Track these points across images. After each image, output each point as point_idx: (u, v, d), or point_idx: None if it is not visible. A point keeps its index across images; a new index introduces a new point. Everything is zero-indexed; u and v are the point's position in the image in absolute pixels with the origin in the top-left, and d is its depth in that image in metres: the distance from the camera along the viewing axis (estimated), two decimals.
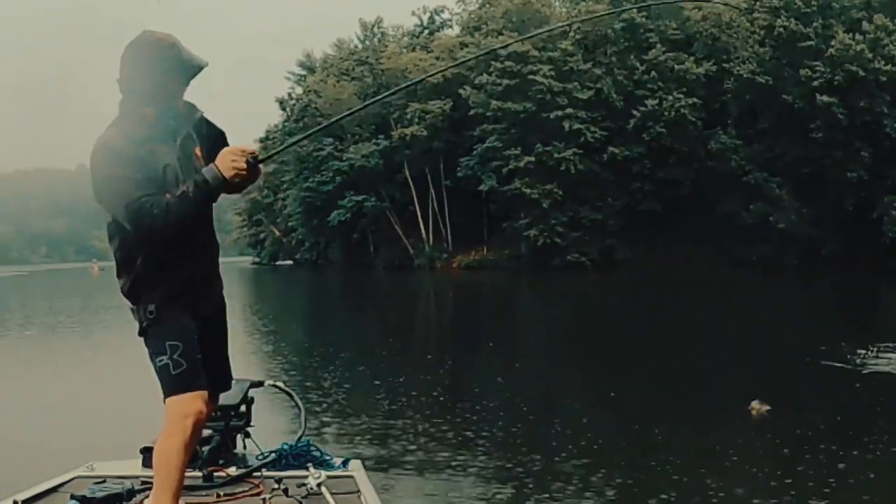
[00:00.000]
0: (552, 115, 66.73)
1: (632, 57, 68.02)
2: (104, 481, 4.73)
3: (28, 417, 12.76)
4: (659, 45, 67.14)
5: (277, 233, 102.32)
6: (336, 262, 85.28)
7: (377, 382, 15.50)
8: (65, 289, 66.40)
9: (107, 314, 32.79)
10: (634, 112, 65.82)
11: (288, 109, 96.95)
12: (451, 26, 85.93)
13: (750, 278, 50.45)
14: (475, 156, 71.44)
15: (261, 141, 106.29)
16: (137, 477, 4.75)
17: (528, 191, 67.41)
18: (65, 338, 25.93)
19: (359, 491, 4.82)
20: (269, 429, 5.71)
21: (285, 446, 5.27)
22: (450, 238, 78.16)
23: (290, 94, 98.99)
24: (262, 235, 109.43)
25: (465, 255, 74.37)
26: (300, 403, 5.65)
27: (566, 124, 66.41)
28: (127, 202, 3.94)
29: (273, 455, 5.20)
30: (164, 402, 4.14)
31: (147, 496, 4.38)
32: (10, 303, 46.74)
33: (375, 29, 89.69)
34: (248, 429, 5.46)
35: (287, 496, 4.59)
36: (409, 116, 75.85)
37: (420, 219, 79.70)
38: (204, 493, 4.67)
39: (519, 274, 58.66)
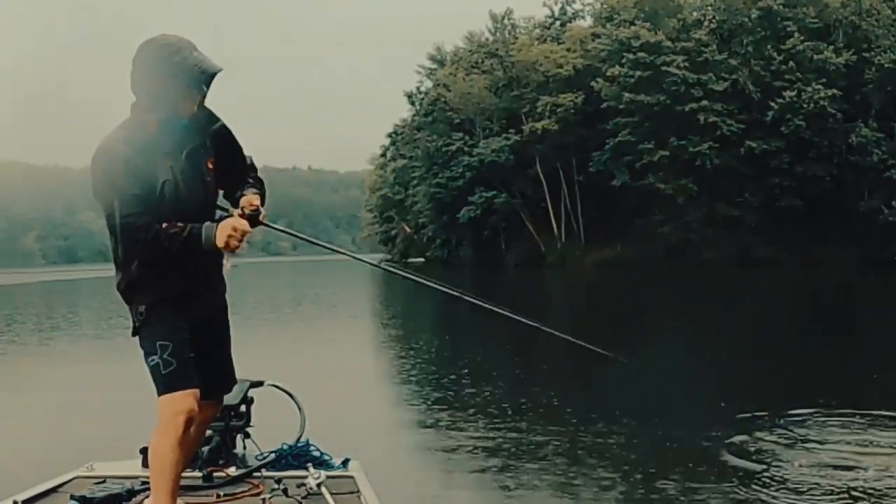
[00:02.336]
0: (687, 108, 67.74)
1: (769, 46, 68.17)
2: (104, 481, 4.97)
3: (28, 418, 13.20)
4: (797, 34, 67.17)
5: (408, 230, 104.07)
6: (467, 259, 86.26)
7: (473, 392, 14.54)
8: None
9: None
10: (772, 104, 66.03)
11: (417, 104, 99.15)
12: (583, 17, 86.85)
13: None
14: (607, 150, 72.43)
15: (389, 136, 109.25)
16: (137, 477, 4.91)
17: (662, 186, 68.53)
18: (86, 340, 26.38)
19: (358, 491, 5.00)
20: (268, 429, 5.87)
21: (285, 446, 5.48)
22: (582, 235, 79.23)
23: (418, 89, 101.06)
24: (392, 232, 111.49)
25: (598, 253, 74.65)
26: (300, 404, 5.81)
27: (701, 117, 67.29)
28: (120, 216, 4.24)
29: (273, 455, 5.42)
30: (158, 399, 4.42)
31: (147, 496, 4.58)
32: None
33: (506, 20, 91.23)
34: (248, 429, 5.70)
35: (287, 496, 4.78)
36: (539, 110, 77.20)
37: (552, 215, 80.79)
38: (204, 493, 4.88)
39: (653, 272, 57.91)
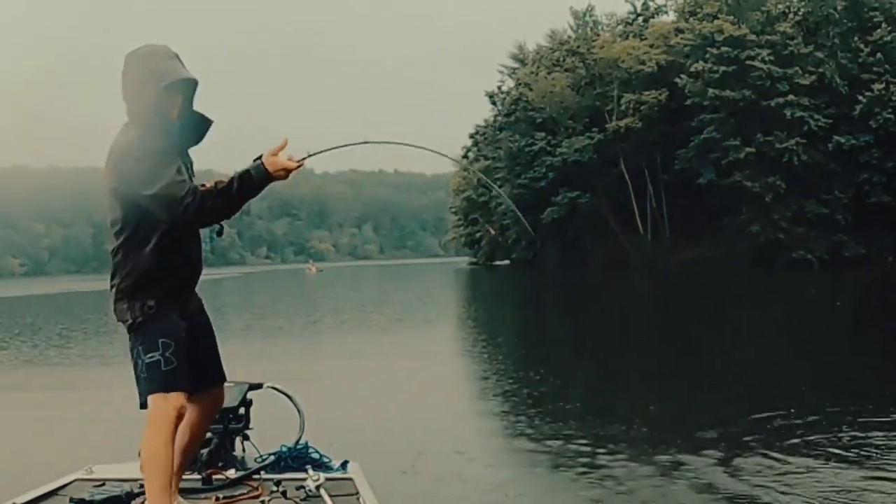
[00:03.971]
0: (773, 103, 67.80)
1: (855, 38, 68.00)
2: (104, 484, 5.06)
3: (28, 419, 13.58)
4: (884, 25, 66.98)
5: (493, 232, 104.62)
6: (552, 261, 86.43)
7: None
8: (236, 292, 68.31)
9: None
10: (860, 98, 65.89)
11: (498, 103, 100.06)
12: (665, 12, 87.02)
13: None
14: (692, 148, 72.54)
15: (470, 137, 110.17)
16: (136, 480, 4.93)
17: (748, 184, 68.55)
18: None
19: (358, 493, 5.08)
20: (267, 431, 6.02)
21: (284, 449, 5.60)
22: (668, 235, 79.63)
23: (499, 88, 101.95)
24: (477, 235, 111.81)
25: (685, 253, 74.46)
26: (299, 406, 5.93)
27: (788, 112, 67.32)
28: (163, 183, 4.43)
29: (272, 457, 5.55)
30: (145, 398, 4.58)
31: (146, 498, 4.67)
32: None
33: (587, 17, 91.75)
34: (247, 431, 5.82)
35: (286, 498, 4.90)
36: (623, 108, 77.92)
37: (637, 215, 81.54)
38: (203, 495, 4.98)
39: (742, 272, 57.88)
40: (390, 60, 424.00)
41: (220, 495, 4.98)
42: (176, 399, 4.53)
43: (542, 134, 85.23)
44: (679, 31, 75.88)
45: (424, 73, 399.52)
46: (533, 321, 33.31)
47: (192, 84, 4.71)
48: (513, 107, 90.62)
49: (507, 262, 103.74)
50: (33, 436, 11.97)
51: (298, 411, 5.88)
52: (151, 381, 4.55)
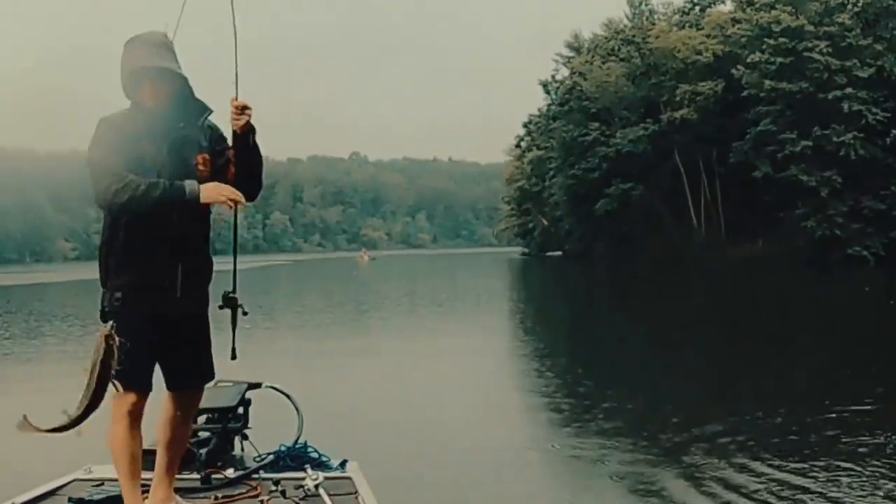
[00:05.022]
0: (830, 96, 67.34)
1: None
2: (102, 484, 5.14)
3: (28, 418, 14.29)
4: None
5: (545, 222, 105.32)
6: (603, 253, 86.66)
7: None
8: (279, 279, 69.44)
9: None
10: None
11: (552, 93, 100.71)
12: (723, 1, 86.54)
13: None
14: (748, 140, 72.07)
15: (524, 126, 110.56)
16: None
17: (805, 178, 67.98)
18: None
19: (357, 492, 5.15)
20: (266, 431, 6.04)
21: (283, 448, 5.68)
22: (723, 229, 79.33)
23: (553, 77, 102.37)
24: (530, 225, 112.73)
25: (739, 248, 74.18)
26: (298, 405, 5.98)
27: (845, 105, 66.83)
28: (97, 168, 4.51)
29: (271, 457, 5.62)
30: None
31: (146, 498, 4.76)
32: None
33: (644, 6, 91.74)
34: (246, 431, 5.88)
35: (285, 498, 4.96)
36: (678, 99, 77.84)
37: (692, 208, 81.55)
38: (202, 495, 5.04)
39: (796, 269, 57.12)
40: (447, 49, 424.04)
41: (219, 494, 5.07)
42: (125, 399, 4.59)
43: (596, 124, 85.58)
44: (736, 21, 75.44)
45: (480, 60, 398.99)
46: (582, 318, 32.69)
47: (167, 72, 4.69)
48: (567, 96, 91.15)
49: (558, 252, 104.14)
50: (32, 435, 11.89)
51: (297, 411, 5.95)
52: None
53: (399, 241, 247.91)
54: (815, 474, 8.94)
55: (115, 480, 4.86)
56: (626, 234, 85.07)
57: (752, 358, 18.42)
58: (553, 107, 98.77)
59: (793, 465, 9.27)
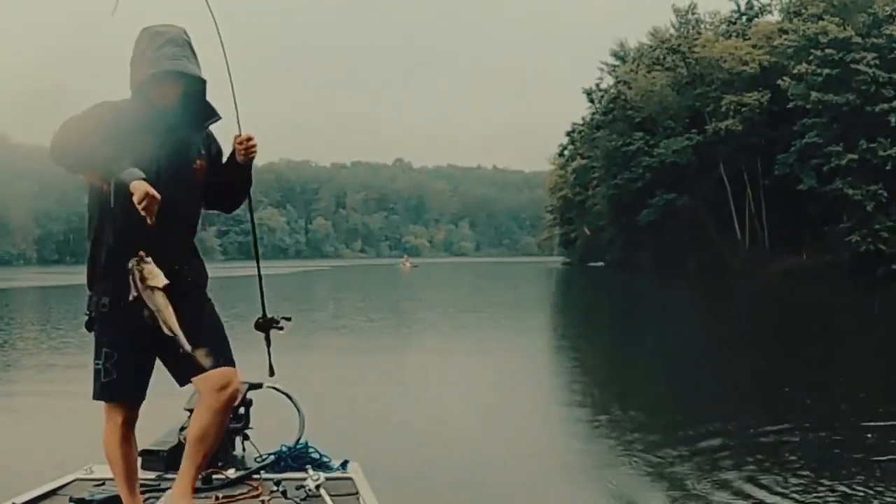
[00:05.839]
0: (877, 109, 67.05)
1: None
2: (103, 484, 5.15)
3: (27, 419, 13.63)
4: None
5: (588, 232, 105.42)
6: (647, 264, 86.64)
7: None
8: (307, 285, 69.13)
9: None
10: None
11: (596, 101, 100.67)
12: (770, 11, 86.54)
13: None
14: (793, 152, 71.83)
15: (567, 135, 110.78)
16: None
17: (850, 191, 67.67)
18: None
19: (357, 493, 5.18)
20: (267, 431, 6.09)
21: (284, 448, 5.70)
22: (767, 242, 79.22)
23: (597, 86, 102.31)
24: (573, 235, 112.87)
25: (783, 261, 73.70)
26: (299, 405, 6.00)
27: (892, 118, 66.44)
28: (80, 119, 4.32)
29: (272, 457, 5.65)
30: (94, 398, 4.62)
31: (145, 499, 4.81)
32: None
33: (689, 15, 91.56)
34: (247, 431, 5.92)
35: (286, 498, 4.98)
36: (724, 109, 77.59)
37: (735, 220, 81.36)
38: (203, 495, 5.02)
39: (840, 283, 56.65)
40: (492, 57, 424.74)
41: (220, 495, 5.09)
42: (114, 410, 4.58)
43: (640, 134, 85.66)
44: (783, 31, 75.27)
45: (525, 68, 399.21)
46: (621, 328, 32.15)
47: (193, 79, 4.57)
48: (611, 105, 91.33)
49: (601, 263, 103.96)
50: (33, 435, 12.12)
51: (298, 411, 5.94)
52: (94, 389, 4.59)
53: (441, 248, 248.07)
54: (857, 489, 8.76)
55: None
56: (669, 244, 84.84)
57: (795, 374, 18.18)
58: (597, 115, 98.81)
59: (828, 483, 9.04)
